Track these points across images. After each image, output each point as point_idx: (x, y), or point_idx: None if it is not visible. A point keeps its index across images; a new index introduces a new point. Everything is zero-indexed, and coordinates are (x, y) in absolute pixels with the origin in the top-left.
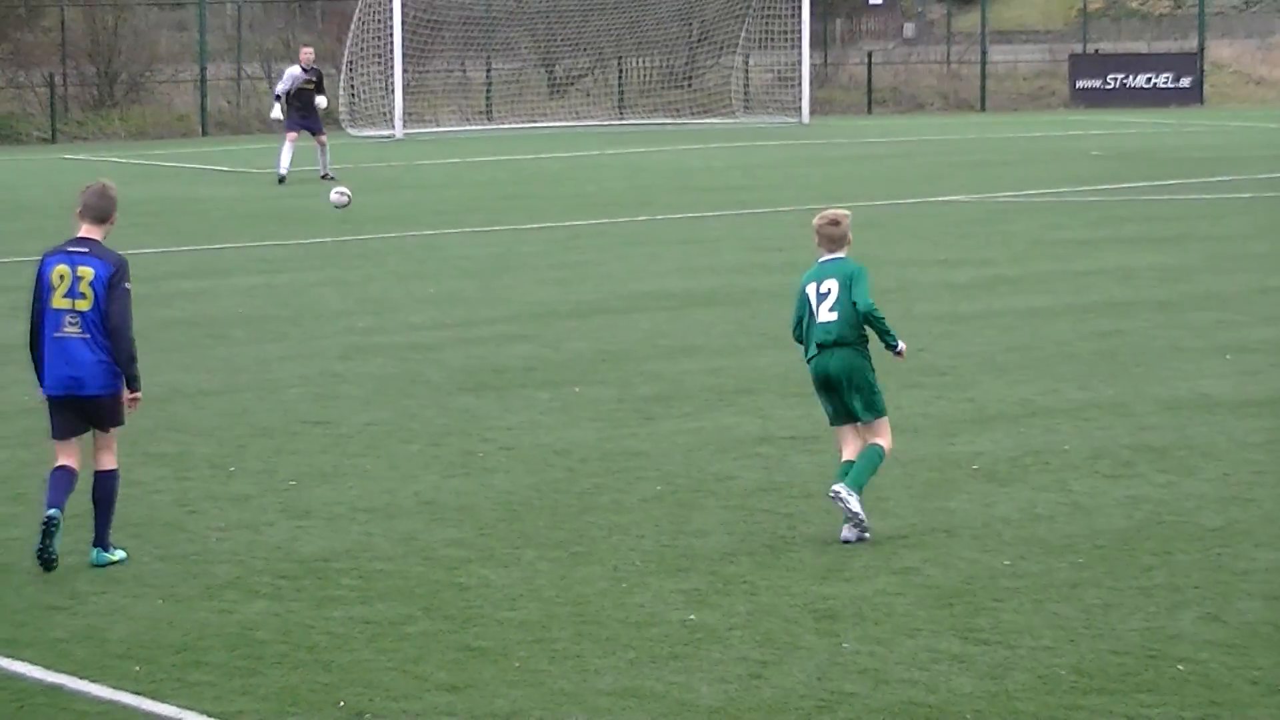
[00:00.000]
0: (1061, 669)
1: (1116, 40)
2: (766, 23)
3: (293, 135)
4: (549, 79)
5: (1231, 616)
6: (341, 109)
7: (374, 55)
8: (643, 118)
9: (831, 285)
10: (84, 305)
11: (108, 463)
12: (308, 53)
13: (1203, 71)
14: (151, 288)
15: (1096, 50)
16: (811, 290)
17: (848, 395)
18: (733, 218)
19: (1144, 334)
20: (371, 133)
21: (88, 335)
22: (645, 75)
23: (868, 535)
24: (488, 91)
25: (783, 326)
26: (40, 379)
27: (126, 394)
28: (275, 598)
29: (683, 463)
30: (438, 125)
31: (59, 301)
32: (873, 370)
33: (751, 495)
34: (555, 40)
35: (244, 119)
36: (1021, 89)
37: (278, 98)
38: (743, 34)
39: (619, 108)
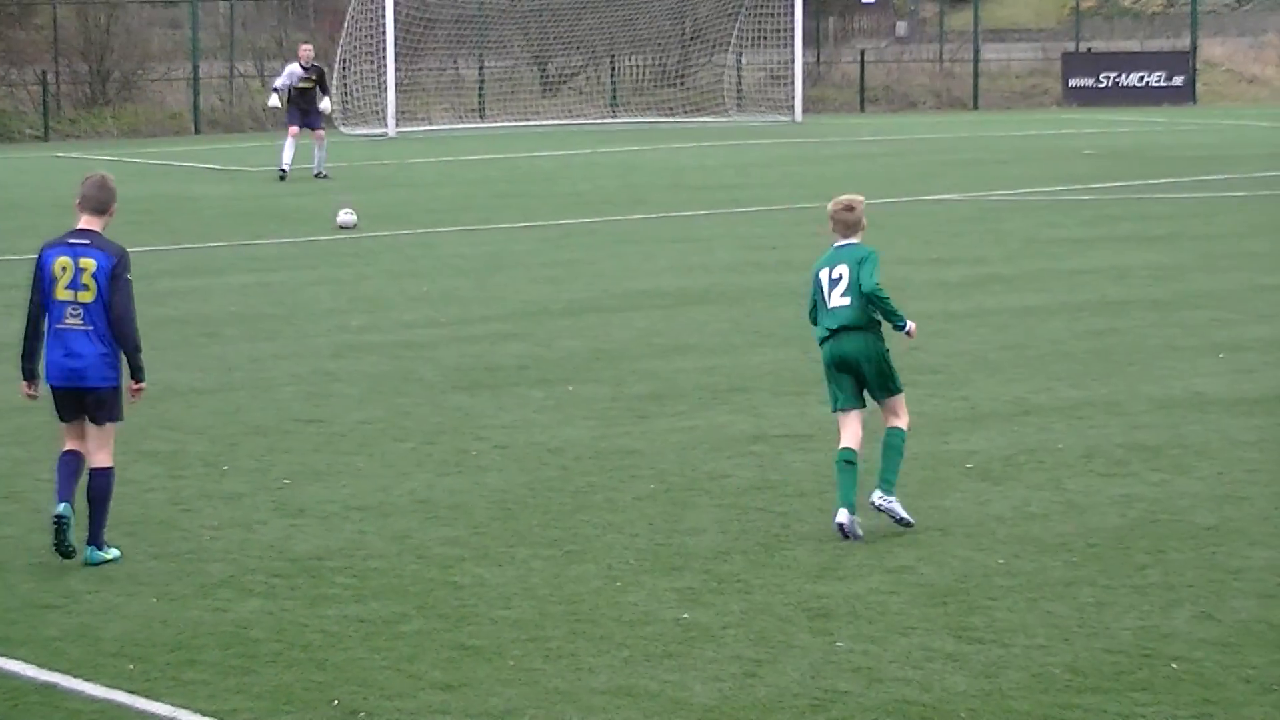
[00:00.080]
0: (1055, 667)
1: (1109, 39)
2: (759, 21)
3: (294, 130)
4: (542, 77)
5: (1225, 615)
6: (334, 107)
7: (366, 53)
8: (635, 116)
9: (843, 270)
10: (87, 297)
11: (103, 460)
12: (307, 50)
13: (1195, 70)
14: (144, 286)
15: (1089, 49)
16: (824, 275)
17: (868, 375)
18: (726, 216)
19: (1137, 332)
20: (364, 131)
21: (90, 327)
22: (638, 73)
23: (860, 534)
24: (480, 89)
25: (776, 324)
26: (27, 370)
27: (130, 384)
28: (269, 596)
29: (676, 461)
30: (430, 123)
31: (62, 293)
32: (888, 349)
33: (745, 494)
34: (548, 38)
35: (237, 117)
36: (1014, 87)
37: (276, 90)
38: (735, 32)
39: (612, 106)
